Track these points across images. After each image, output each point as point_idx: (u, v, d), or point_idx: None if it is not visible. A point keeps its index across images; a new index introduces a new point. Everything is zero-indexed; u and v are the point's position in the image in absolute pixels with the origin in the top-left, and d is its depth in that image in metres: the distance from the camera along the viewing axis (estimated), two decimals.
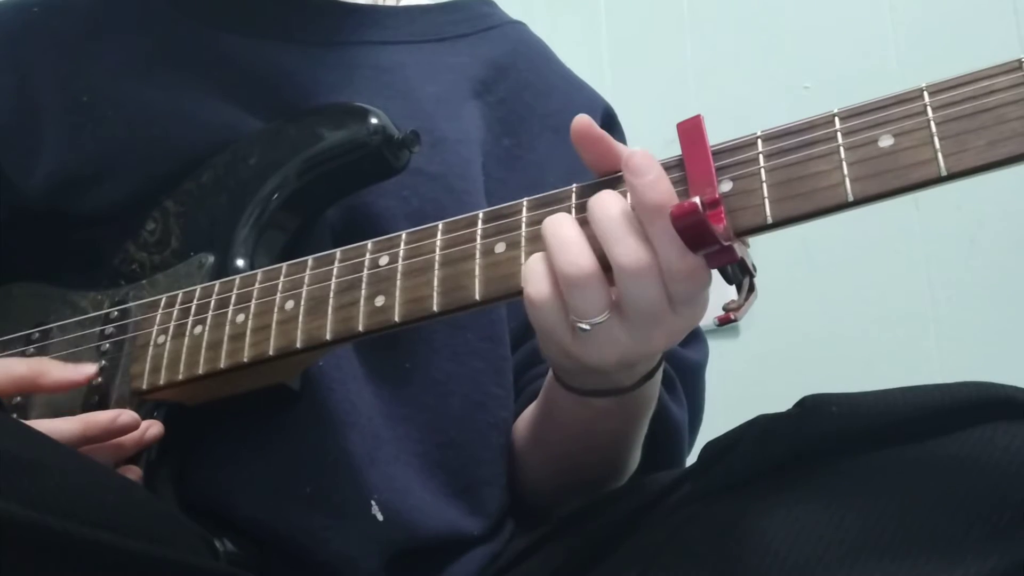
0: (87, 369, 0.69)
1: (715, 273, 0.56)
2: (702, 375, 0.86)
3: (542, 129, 0.84)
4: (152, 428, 0.66)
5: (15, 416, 0.69)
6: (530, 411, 0.78)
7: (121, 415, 0.65)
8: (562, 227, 0.56)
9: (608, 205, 0.55)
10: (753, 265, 0.55)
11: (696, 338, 0.87)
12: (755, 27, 1.50)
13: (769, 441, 0.58)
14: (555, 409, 0.73)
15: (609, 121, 0.90)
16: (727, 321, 0.54)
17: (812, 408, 0.57)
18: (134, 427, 0.65)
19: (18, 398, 0.71)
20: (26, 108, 0.79)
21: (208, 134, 0.75)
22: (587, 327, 0.56)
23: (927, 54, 1.37)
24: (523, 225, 0.59)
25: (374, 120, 0.71)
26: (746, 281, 0.55)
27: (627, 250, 0.54)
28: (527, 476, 0.78)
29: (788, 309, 1.37)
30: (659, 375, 0.68)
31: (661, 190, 0.53)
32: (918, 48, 1.38)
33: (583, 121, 0.58)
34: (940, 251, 1.32)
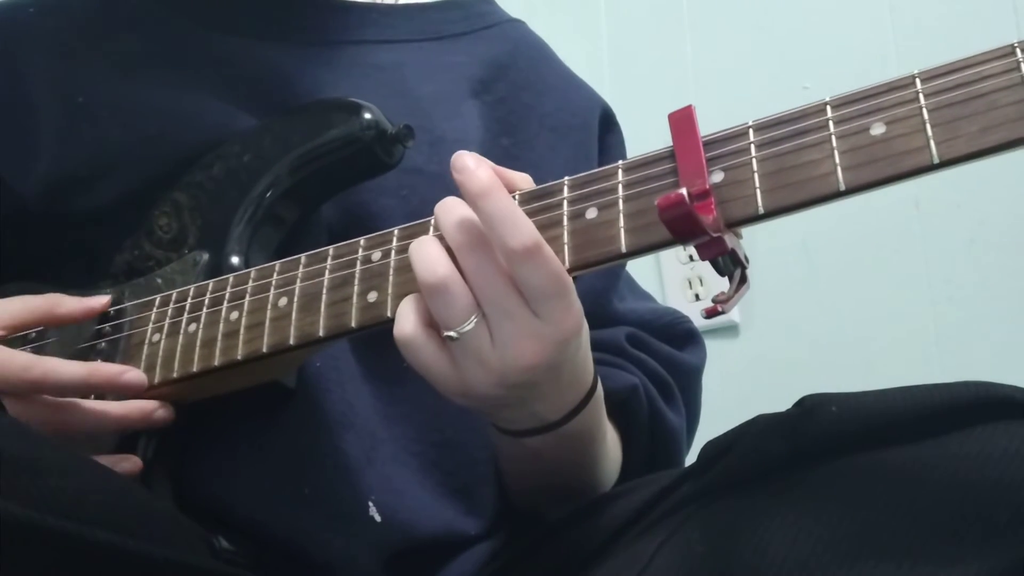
0: (100, 299, 0.69)
1: (708, 266, 0.55)
2: (699, 379, 0.86)
3: (540, 128, 0.84)
4: (160, 411, 0.66)
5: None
6: None
7: (129, 371, 0.66)
8: (423, 243, 0.58)
9: (447, 208, 0.58)
10: (745, 256, 0.55)
11: (694, 342, 0.87)
12: (755, 27, 1.50)
13: (769, 441, 0.57)
14: (500, 448, 0.73)
15: (607, 120, 0.90)
16: (715, 313, 0.53)
17: (812, 408, 0.57)
18: (139, 386, 0.66)
19: (27, 348, 0.71)
20: (22, 109, 0.79)
21: (204, 134, 0.75)
22: (455, 335, 0.56)
23: (926, 54, 1.36)
24: None
25: (367, 115, 0.71)
26: (737, 272, 0.54)
27: (452, 232, 0.57)
28: (507, 485, 0.78)
29: (788, 309, 1.37)
30: (592, 410, 0.67)
31: (479, 178, 0.56)
32: (917, 48, 1.38)
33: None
34: (940, 251, 1.32)
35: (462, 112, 0.81)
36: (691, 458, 0.68)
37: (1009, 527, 0.48)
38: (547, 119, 0.85)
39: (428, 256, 0.57)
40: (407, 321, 0.58)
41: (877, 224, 1.34)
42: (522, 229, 0.55)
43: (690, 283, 1.45)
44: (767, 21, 1.49)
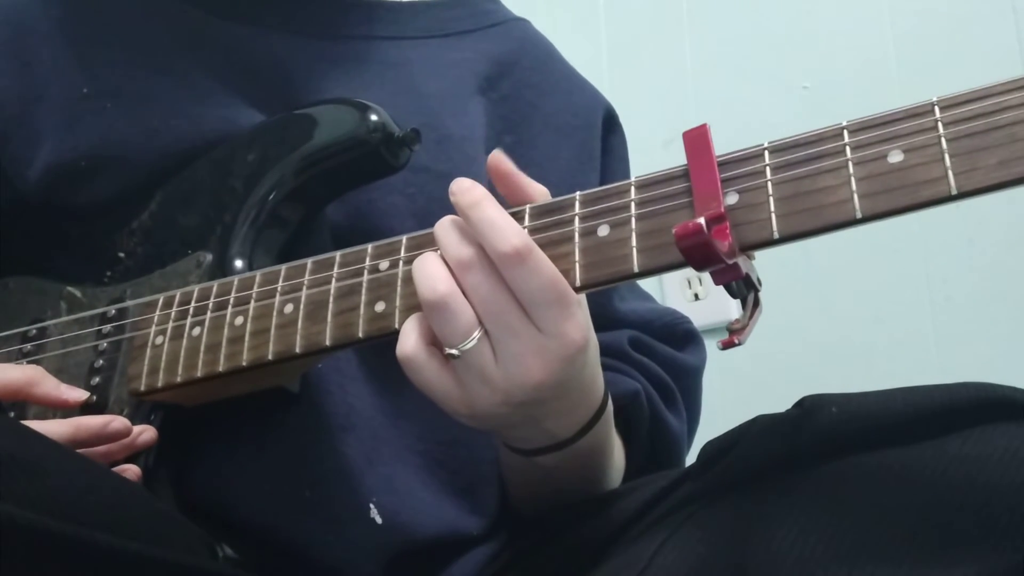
0: (79, 394, 0.68)
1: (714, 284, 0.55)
2: (699, 379, 0.86)
3: (543, 128, 0.84)
4: (144, 434, 0.66)
5: (12, 415, 0.69)
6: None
7: (113, 421, 0.64)
8: (424, 262, 0.58)
9: (444, 227, 0.59)
10: (758, 279, 0.54)
11: (694, 342, 0.87)
12: (754, 27, 1.50)
13: (769, 441, 0.58)
14: (511, 466, 0.73)
15: (610, 121, 0.90)
16: (731, 345, 0.52)
17: (812, 408, 0.57)
18: (125, 434, 0.64)
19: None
20: (27, 98, 0.78)
21: (208, 127, 0.75)
22: (457, 353, 0.56)
23: (925, 54, 1.37)
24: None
25: (374, 117, 0.70)
26: (751, 296, 0.54)
27: (452, 249, 0.57)
28: (514, 499, 0.78)
29: (787, 309, 1.37)
30: (603, 425, 0.66)
31: (472, 193, 0.57)
32: (916, 48, 1.38)
33: (494, 156, 0.60)
34: (939, 251, 1.32)
35: (468, 109, 0.81)
36: (691, 458, 0.68)
37: (1009, 528, 0.48)
38: (551, 119, 0.85)
39: (429, 273, 0.57)
40: (409, 340, 0.58)
41: (876, 223, 1.34)
42: (510, 233, 0.55)
43: (689, 283, 1.45)
44: (767, 21, 1.49)
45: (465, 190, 0.58)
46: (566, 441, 0.64)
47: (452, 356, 0.56)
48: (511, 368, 0.56)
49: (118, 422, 0.64)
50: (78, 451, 0.63)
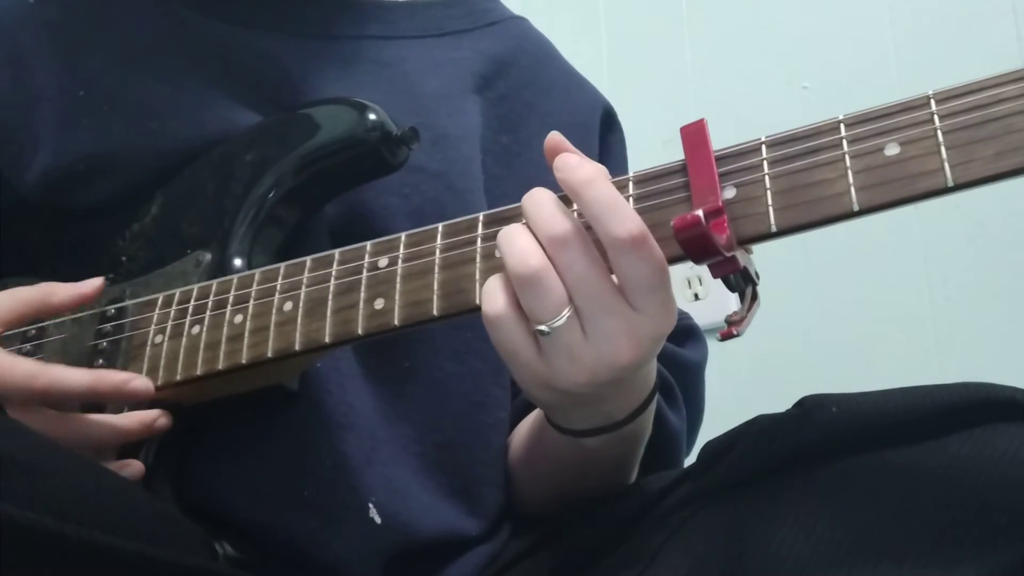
0: (94, 282, 0.68)
1: (713, 279, 0.55)
2: (701, 375, 0.86)
3: (540, 127, 0.84)
4: (161, 419, 0.66)
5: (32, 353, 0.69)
6: (523, 438, 0.77)
7: (135, 378, 0.64)
8: (513, 234, 0.56)
9: (538, 201, 0.56)
10: (756, 273, 0.54)
11: (694, 337, 0.86)
12: (754, 27, 1.50)
13: (769, 441, 0.58)
14: (547, 449, 0.72)
15: (608, 120, 0.90)
16: (729, 336, 0.52)
17: (812, 408, 0.57)
18: (146, 395, 0.64)
19: (27, 347, 0.71)
20: (22, 102, 0.78)
21: (205, 128, 0.75)
22: (547, 329, 0.54)
23: (926, 54, 1.37)
24: None
25: (372, 116, 0.70)
26: (749, 289, 0.54)
27: (547, 224, 0.54)
28: (517, 489, 0.78)
29: (787, 308, 1.37)
30: (652, 408, 0.66)
31: (585, 168, 0.55)
32: (917, 48, 1.38)
33: (555, 138, 0.58)
34: (939, 250, 1.32)
35: (464, 108, 0.81)
36: (691, 458, 0.68)
37: (1008, 528, 0.48)
38: (548, 118, 0.84)
39: (520, 247, 0.55)
40: (498, 299, 0.56)
41: (876, 223, 1.34)
42: (628, 218, 0.53)
43: (689, 283, 1.45)
44: (766, 21, 1.49)
45: (574, 167, 0.55)
46: (619, 423, 0.63)
47: (542, 333, 0.55)
48: (602, 347, 0.54)
49: (139, 381, 0.64)
50: (97, 429, 0.63)
